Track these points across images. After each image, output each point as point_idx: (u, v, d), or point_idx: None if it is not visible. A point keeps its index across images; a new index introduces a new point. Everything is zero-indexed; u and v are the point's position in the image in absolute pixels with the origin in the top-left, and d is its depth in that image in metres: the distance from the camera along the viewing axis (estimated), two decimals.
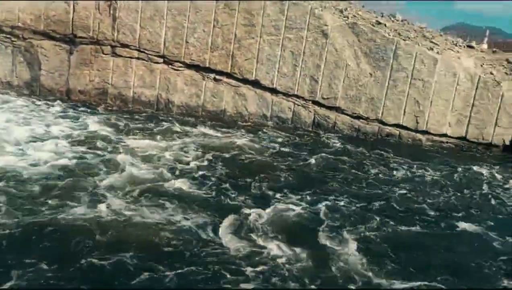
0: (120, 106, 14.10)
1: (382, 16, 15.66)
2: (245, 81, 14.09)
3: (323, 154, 11.89)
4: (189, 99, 14.18)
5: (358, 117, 14.44)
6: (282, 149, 12.06)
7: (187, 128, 12.76)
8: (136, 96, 14.20)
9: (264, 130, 13.57)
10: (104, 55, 13.95)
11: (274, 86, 14.06)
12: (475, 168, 12.56)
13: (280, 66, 13.91)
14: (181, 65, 13.99)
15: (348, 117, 14.47)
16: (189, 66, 14.02)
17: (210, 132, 12.74)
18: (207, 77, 14.07)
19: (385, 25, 14.47)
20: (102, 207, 7.27)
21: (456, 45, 15.65)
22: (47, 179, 8.16)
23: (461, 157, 13.87)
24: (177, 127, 12.68)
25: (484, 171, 12.50)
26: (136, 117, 13.23)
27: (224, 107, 14.18)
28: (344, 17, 14.01)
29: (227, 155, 10.85)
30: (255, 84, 14.12)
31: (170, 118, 13.53)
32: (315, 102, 14.30)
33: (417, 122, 14.39)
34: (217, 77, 14.03)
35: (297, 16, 13.53)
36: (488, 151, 14.67)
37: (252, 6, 13.42)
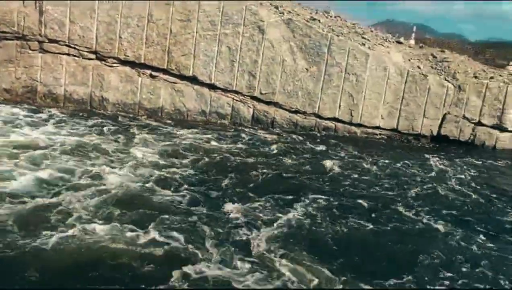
0: (51, 104, 13.40)
1: (317, 13, 16.01)
2: (182, 77, 13.89)
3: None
4: (124, 97, 13.75)
5: (296, 112, 14.72)
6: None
7: (124, 125, 12.40)
8: (67, 94, 13.55)
9: (206, 126, 13.49)
10: (31, 51, 13.18)
11: (212, 81, 13.98)
12: (407, 160, 13.17)
13: (218, 62, 13.84)
14: (115, 61, 13.53)
15: (286, 112, 14.70)
16: (124, 62, 13.58)
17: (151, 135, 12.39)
18: (143, 74, 13.72)
19: (319, 21, 14.82)
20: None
21: (386, 41, 16.36)
22: None
23: (393, 148, 14.57)
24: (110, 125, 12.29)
25: (415, 161, 13.20)
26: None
27: (161, 104, 13.90)
28: (280, 13, 14.19)
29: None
30: (193, 80, 13.96)
31: (103, 117, 13.06)
32: (254, 98, 14.39)
33: (352, 115, 14.91)
34: (154, 73, 13.71)
35: (233, 12, 13.52)
36: (418, 142, 15.52)
37: (188, 1, 13.23)
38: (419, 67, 15.45)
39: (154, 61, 13.57)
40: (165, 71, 13.75)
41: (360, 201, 9.38)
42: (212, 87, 14.09)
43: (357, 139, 14.85)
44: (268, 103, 14.53)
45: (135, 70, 13.66)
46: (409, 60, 15.75)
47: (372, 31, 17.19)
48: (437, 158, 13.73)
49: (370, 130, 15.29)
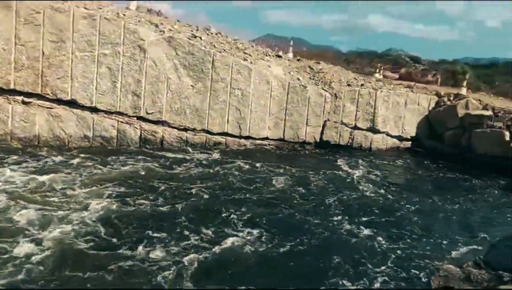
0: None
1: (197, 30, 16.16)
2: (60, 101, 12.99)
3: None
4: None
5: (185, 129, 14.62)
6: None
7: None
8: None
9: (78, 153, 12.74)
10: None
11: (94, 104, 13.30)
12: (293, 169, 13.82)
13: (98, 83, 13.22)
14: None
15: (175, 130, 14.53)
16: None
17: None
18: (14, 100, 12.56)
19: (200, 38, 14.97)
20: None
21: (266, 55, 17.07)
22: None
23: (281, 156, 15.20)
24: None
25: (302, 165, 13.93)
26: None
27: (37, 132, 12.83)
28: (160, 31, 14.04)
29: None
30: (72, 104, 13.14)
31: None
32: (140, 118, 13.99)
33: (240, 129, 15.24)
34: (26, 99, 12.62)
35: (111, 31, 13.05)
36: (303, 149, 16.38)
37: (58, 21, 12.45)
38: (298, 79, 16.36)
39: (26, 86, 12.50)
40: (39, 96, 12.74)
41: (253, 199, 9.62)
42: (94, 110, 13.39)
43: (249, 150, 15.21)
44: (155, 122, 14.23)
45: (4, 98, 12.45)
46: (289, 72, 16.62)
47: (252, 46, 17.84)
48: (330, 161, 14.67)
49: (259, 142, 15.77)
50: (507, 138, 16.16)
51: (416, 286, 7.02)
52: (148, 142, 14.10)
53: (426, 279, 7.06)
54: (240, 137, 15.40)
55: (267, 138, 15.91)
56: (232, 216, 9.25)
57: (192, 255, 7.28)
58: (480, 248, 8.71)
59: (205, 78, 14.45)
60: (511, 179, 15.02)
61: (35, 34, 12.31)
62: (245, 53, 15.92)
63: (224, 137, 15.21)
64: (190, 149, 14.32)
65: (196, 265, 7.02)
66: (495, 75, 40.34)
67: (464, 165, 16.44)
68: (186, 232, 8.16)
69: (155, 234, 7.94)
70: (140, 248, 7.35)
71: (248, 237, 8.28)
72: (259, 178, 12.24)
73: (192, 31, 15.75)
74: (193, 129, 14.69)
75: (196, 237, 8.01)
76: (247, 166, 13.22)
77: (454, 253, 8.58)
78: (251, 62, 15.37)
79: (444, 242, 9.18)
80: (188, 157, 13.51)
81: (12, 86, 12.37)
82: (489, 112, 17.41)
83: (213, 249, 7.61)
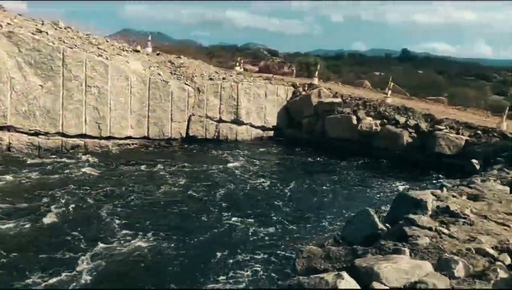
0: None
1: (43, 24, 14.73)
2: None
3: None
4: None
5: (37, 134, 13.30)
6: None
7: None
8: None
9: None
10: None
11: None
12: (158, 165, 13.52)
13: None
14: None
15: (24, 135, 13.12)
16: None
17: None
18: None
19: (47, 33, 13.69)
20: None
21: (123, 50, 16.31)
22: None
23: (146, 154, 14.74)
24: None
25: (160, 164, 13.71)
26: None
27: None
28: None
29: None
30: None
31: None
32: None
33: (100, 129, 14.38)
34: None
35: None
36: (170, 145, 16.10)
37: None
38: (159, 74, 15.99)
39: None
40: None
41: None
42: None
43: (111, 153, 14.43)
44: (0, 128, 12.68)
45: None
46: (149, 67, 16.14)
47: (107, 41, 16.90)
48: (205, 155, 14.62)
49: (122, 141, 15.06)
50: (355, 121, 17.92)
51: (286, 270, 7.35)
52: None
53: (292, 263, 7.46)
54: (101, 138, 14.53)
55: (130, 137, 15.27)
56: (114, 221, 8.74)
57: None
58: (342, 225, 9.51)
59: (55, 77, 13.27)
60: (363, 159, 16.73)
61: None
62: (99, 48, 15.00)
63: (82, 139, 14.19)
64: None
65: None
66: (341, 66, 44.47)
67: (320, 150, 17.79)
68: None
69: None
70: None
71: (133, 242, 7.91)
72: (131, 180, 11.75)
73: (36, 25, 14.30)
74: (46, 133, 13.42)
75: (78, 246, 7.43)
76: (120, 168, 12.59)
77: (320, 233, 9.21)
78: (106, 58, 14.54)
79: (312, 224, 9.83)
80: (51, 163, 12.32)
81: None
82: (338, 99, 19.08)
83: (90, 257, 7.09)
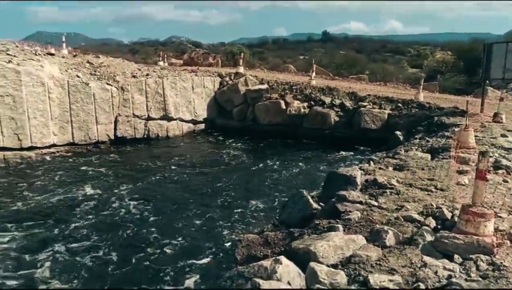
0: None
1: None
2: None
3: None
4: None
5: None
6: None
7: None
8: None
9: None
10: None
11: None
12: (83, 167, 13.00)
13: None
14: None
15: None
16: None
17: None
18: None
19: None
20: None
21: (36, 54, 15.34)
22: None
23: (72, 160, 14.06)
24: None
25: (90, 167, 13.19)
26: None
27: None
28: None
29: None
30: None
31: None
32: None
33: (20, 140, 13.50)
34: None
35: None
36: (98, 149, 15.47)
37: None
38: (78, 76, 15.24)
39: None
40: None
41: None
42: None
43: (34, 163, 13.59)
44: None
45: None
46: (66, 70, 15.32)
47: (17, 46, 15.81)
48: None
49: (45, 150, 14.24)
50: (283, 106, 18.24)
51: (229, 262, 7.34)
52: None
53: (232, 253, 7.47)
54: (22, 149, 13.64)
55: (54, 145, 14.48)
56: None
57: None
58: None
59: None
60: (294, 141, 17.12)
61: None
62: (8, 54, 13.99)
63: (1, 152, 13.25)
64: None
65: None
66: (266, 52, 44.99)
67: (253, 137, 17.97)
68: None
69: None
70: None
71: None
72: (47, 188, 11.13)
73: None
74: None
75: None
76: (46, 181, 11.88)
77: (260, 221, 9.27)
78: (18, 64, 13.60)
79: (250, 212, 9.88)
80: None
81: None
82: (265, 86, 19.29)
83: None
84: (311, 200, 6.04)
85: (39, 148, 14.06)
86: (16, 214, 9.50)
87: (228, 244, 8.04)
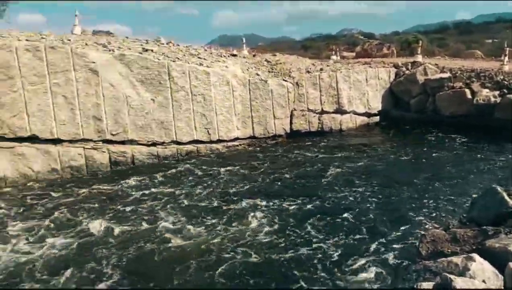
0: None
1: (147, 42, 15.91)
2: (20, 139, 12.57)
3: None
4: None
5: (154, 144, 14.39)
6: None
7: None
8: None
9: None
10: None
11: (56, 136, 12.92)
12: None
13: (56, 114, 12.85)
14: None
15: (144, 146, 14.27)
16: None
17: None
18: None
19: (152, 50, 14.75)
20: None
21: (221, 56, 16.96)
22: None
23: (254, 152, 15.17)
24: None
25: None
26: None
27: (2, 174, 12.38)
28: (110, 50, 13.76)
29: None
30: (34, 139, 12.72)
31: None
32: (106, 141, 13.68)
33: (209, 134, 15.11)
34: None
35: (58, 59, 12.69)
36: (276, 142, 16.37)
37: (3, 58, 12.01)
38: (257, 74, 16.33)
39: None
40: None
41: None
42: (57, 141, 13.02)
43: (223, 154, 15.10)
44: (122, 142, 13.94)
45: None
46: (247, 69, 16.56)
47: (205, 50, 17.70)
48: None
49: (230, 143, 15.67)
50: (469, 96, 16.56)
51: (409, 255, 7.05)
52: (119, 164, 13.79)
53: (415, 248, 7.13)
54: (211, 142, 15.27)
55: (237, 138, 15.83)
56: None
57: None
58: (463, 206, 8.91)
59: (164, 90, 14.24)
60: (482, 134, 15.45)
61: None
62: (199, 58, 15.78)
63: (194, 145, 15.04)
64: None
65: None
66: (446, 38, 41.36)
67: (433, 129, 16.80)
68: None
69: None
70: None
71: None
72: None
73: (142, 45, 15.50)
74: (162, 143, 14.47)
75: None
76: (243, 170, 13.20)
77: (441, 217, 8.71)
78: (207, 66, 15.24)
79: (430, 207, 9.34)
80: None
81: None
82: (447, 74, 17.79)
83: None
84: (506, 197, 5.37)
85: (225, 141, 15.52)
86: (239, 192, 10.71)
87: (411, 237, 7.72)
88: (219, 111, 15.22)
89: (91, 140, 13.45)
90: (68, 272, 7.10)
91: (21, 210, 10.32)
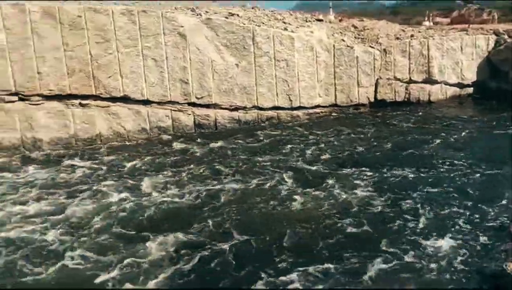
0: None
1: (233, 7, 15.99)
2: (114, 99, 13.43)
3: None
4: (58, 132, 13.09)
5: (236, 109, 14.67)
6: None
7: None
8: None
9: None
10: None
11: (146, 97, 13.64)
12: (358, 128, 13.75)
13: (147, 76, 13.51)
14: (39, 98, 12.84)
15: (226, 110, 14.61)
16: (49, 98, 12.93)
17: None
18: (72, 105, 13.14)
19: (237, 15, 14.81)
20: None
21: (306, 21, 16.60)
22: None
23: (337, 120, 14.93)
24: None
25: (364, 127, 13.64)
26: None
27: (98, 131, 13.38)
28: (197, 14, 14.04)
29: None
30: (126, 99, 13.55)
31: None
32: (191, 104, 14.20)
33: (291, 100, 15.06)
34: (83, 102, 13.17)
35: (150, 23, 13.22)
36: (358, 111, 15.94)
37: (99, 21, 12.78)
38: (343, 40, 15.83)
39: (81, 90, 13.03)
40: (95, 97, 13.23)
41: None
42: (147, 102, 13.75)
43: (302, 121, 15.04)
44: (206, 106, 14.37)
45: (63, 103, 13.06)
46: (333, 35, 16.10)
47: (291, 14, 17.41)
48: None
49: (311, 111, 15.53)
50: None
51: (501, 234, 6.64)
52: (202, 126, 14.30)
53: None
54: (292, 108, 15.23)
55: (319, 106, 15.62)
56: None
57: None
58: None
59: (248, 55, 14.34)
60: None
61: (80, 38, 12.73)
62: (284, 22, 15.59)
63: (275, 111, 15.11)
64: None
65: None
66: None
67: None
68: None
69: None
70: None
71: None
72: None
73: (227, 10, 15.61)
74: (244, 108, 14.70)
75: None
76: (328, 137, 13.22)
77: None
78: (292, 31, 15.03)
79: None
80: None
81: (68, 91, 12.93)
82: None
83: None
84: None
85: (306, 108, 15.39)
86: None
87: (505, 216, 7.26)
88: (302, 78, 15.05)
89: (177, 102, 14.02)
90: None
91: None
